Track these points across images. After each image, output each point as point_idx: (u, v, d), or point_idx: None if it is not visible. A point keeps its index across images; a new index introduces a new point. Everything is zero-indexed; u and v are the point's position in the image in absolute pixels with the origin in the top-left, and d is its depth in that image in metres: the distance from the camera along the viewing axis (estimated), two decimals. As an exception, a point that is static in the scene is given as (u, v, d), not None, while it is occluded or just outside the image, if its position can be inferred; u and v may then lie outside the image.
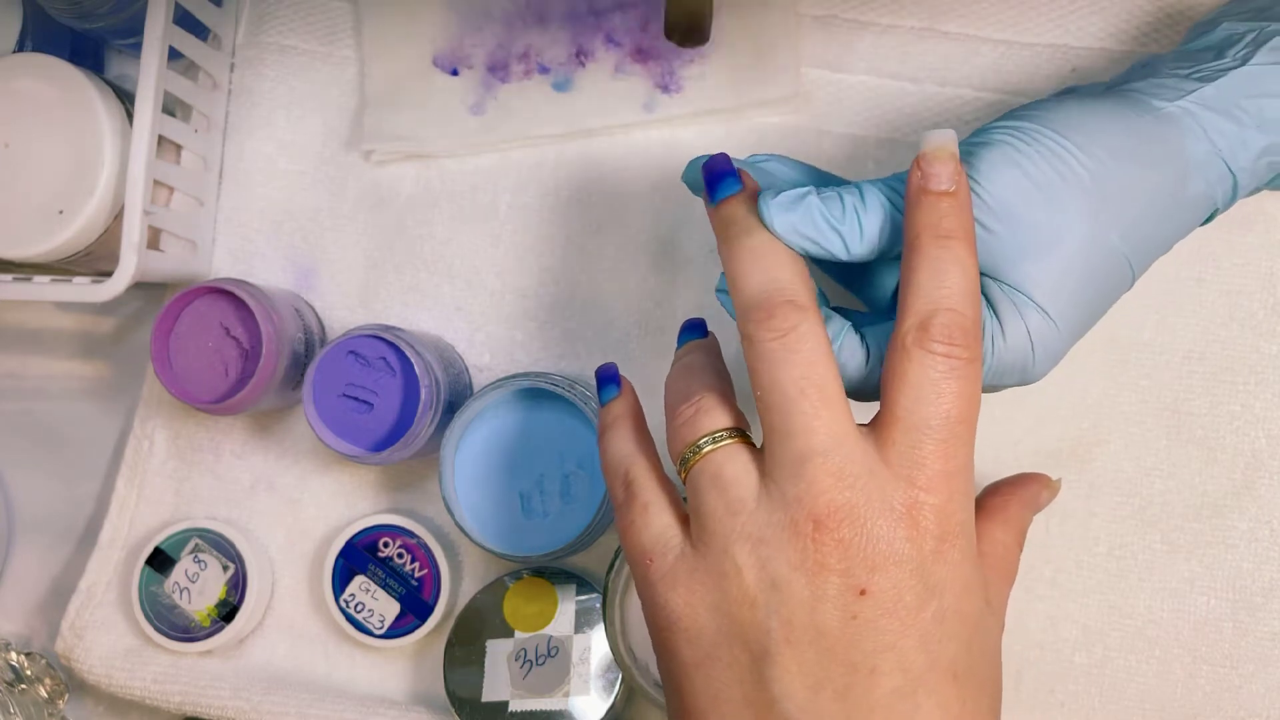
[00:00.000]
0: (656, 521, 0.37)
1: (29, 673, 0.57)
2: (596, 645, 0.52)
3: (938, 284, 0.34)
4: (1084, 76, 0.53)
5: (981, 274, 0.38)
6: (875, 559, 0.33)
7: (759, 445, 0.36)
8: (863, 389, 0.38)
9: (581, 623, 0.52)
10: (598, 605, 0.52)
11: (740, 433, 0.36)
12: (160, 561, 0.56)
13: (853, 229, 0.37)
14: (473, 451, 0.52)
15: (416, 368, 0.50)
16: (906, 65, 0.54)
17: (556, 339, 0.56)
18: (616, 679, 0.51)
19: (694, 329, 0.42)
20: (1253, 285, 0.52)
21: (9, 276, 0.53)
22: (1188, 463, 0.52)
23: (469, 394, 0.55)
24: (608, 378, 0.42)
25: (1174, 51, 0.44)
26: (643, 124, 0.55)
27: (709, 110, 0.54)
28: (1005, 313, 0.38)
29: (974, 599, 0.35)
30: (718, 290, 0.40)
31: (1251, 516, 0.51)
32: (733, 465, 0.35)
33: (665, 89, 0.54)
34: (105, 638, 0.57)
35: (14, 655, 0.57)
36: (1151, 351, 0.52)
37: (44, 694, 0.57)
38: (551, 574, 0.53)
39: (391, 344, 0.51)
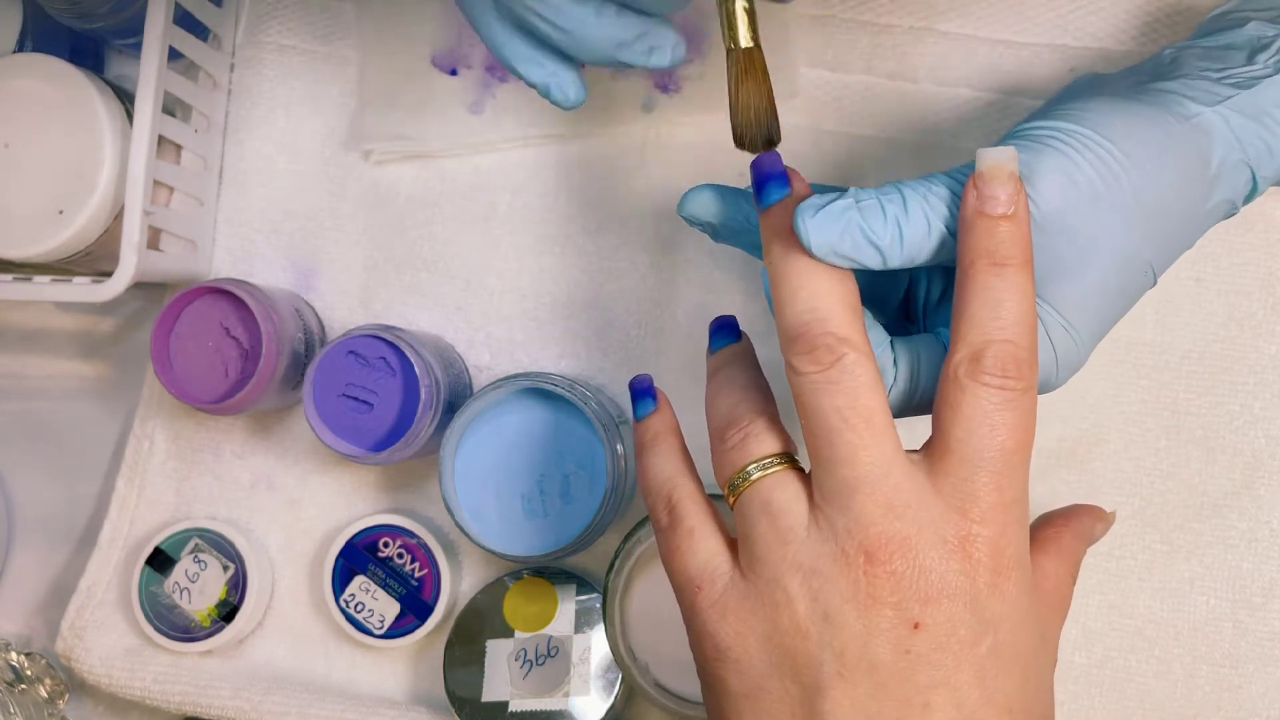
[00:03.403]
0: (703, 547, 0.36)
1: (29, 673, 0.57)
2: (596, 645, 0.52)
3: (993, 314, 0.34)
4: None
5: None
6: (928, 592, 0.33)
7: (807, 469, 0.36)
8: (900, 407, 0.38)
9: (581, 623, 0.52)
10: (598, 605, 0.52)
11: (789, 458, 0.36)
12: (160, 561, 0.56)
13: (893, 243, 0.36)
14: (473, 451, 0.52)
15: (416, 368, 0.50)
16: (904, 65, 0.54)
17: (556, 339, 0.56)
18: (616, 679, 0.51)
19: (726, 330, 0.41)
20: (1252, 285, 0.52)
21: (9, 276, 0.53)
22: (1187, 463, 0.52)
23: (469, 394, 0.55)
24: (643, 391, 0.41)
25: (1199, 47, 0.43)
26: (642, 124, 0.55)
27: (708, 110, 0.54)
28: None
29: (1029, 633, 0.34)
30: (766, 294, 0.39)
31: (1251, 516, 0.51)
32: (783, 493, 0.35)
33: (664, 89, 0.55)
34: (105, 638, 0.57)
35: (14, 655, 0.57)
36: (1151, 351, 0.52)
37: (44, 694, 0.57)
38: (551, 574, 0.53)
39: (391, 344, 0.51)
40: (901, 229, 0.36)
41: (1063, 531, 0.39)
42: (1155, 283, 0.39)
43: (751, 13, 0.38)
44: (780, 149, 0.55)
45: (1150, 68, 0.43)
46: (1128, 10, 0.53)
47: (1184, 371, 0.52)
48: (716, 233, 0.42)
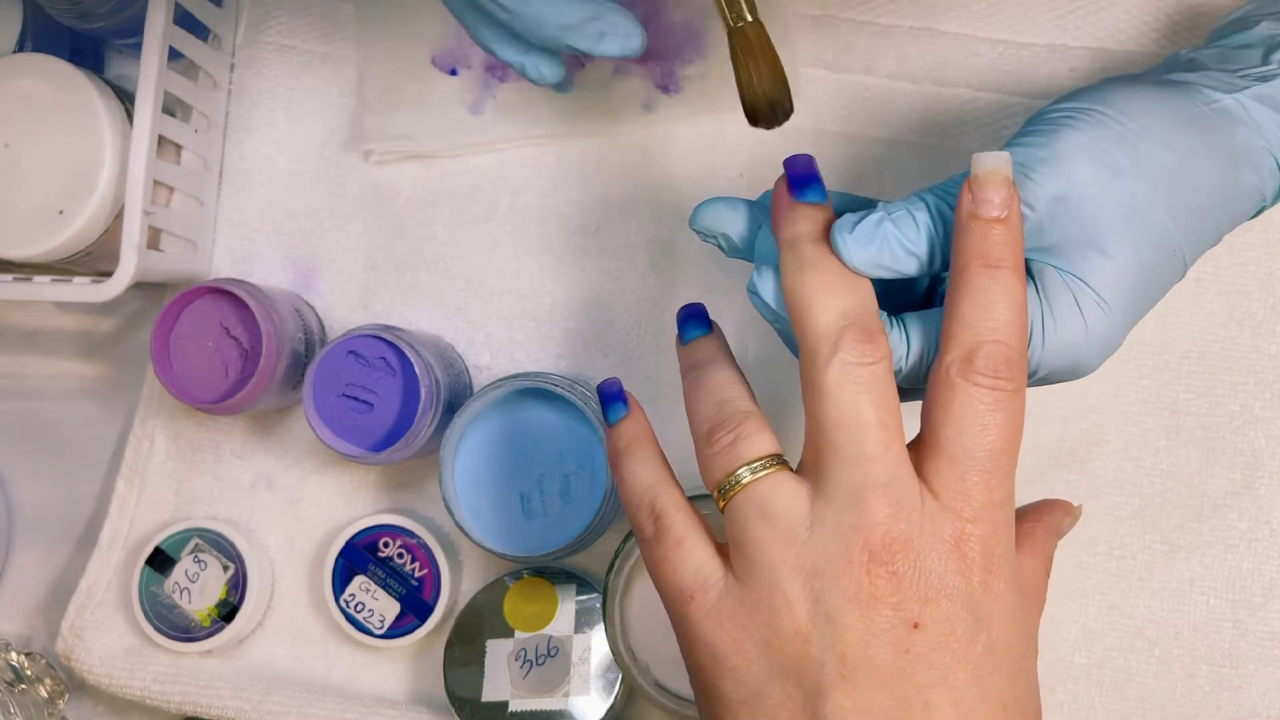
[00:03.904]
0: (693, 556, 0.35)
1: (29, 673, 0.57)
2: (596, 645, 0.52)
3: (985, 315, 0.34)
4: (1082, 77, 0.53)
5: (1039, 260, 0.37)
6: (927, 592, 0.33)
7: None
8: (910, 382, 0.38)
9: (581, 623, 0.52)
10: (598, 605, 0.52)
11: (780, 459, 0.35)
12: (160, 561, 0.56)
13: (928, 249, 0.36)
14: (473, 451, 0.52)
15: (416, 368, 0.50)
16: (904, 65, 0.54)
17: (556, 339, 0.56)
18: (616, 679, 0.51)
19: (698, 319, 0.40)
20: (1252, 285, 0.52)
21: (9, 276, 0.53)
22: (1187, 463, 0.52)
23: (469, 394, 0.55)
24: (613, 395, 0.40)
25: (1215, 47, 0.44)
26: (642, 124, 0.55)
27: (708, 110, 0.54)
28: (1058, 300, 0.37)
29: (1019, 629, 0.35)
30: (750, 290, 0.38)
31: (1251, 516, 0.51)
32: (779, 495, 0.34)
33: (665, 89, 0.55)
34: (105, 638, 0.57)
35: (14, 655, 0.57)
36: (1151, 351, 0.52)
37: (44, 694, 0.57)
38: (551, 574, 0.53)
39: (391, 344, 0.51)
40: (934, 234, 0.36)
41: (1035, 527, 0.39)
42: (1184, 273, 0.39)
43: None
44: (781, 149, 0.55)
45: (1165, 67, 0.44)
46: (1127, 10, 0.53)
47: (1184, 371, 0.52)
48: (730, 244, 0.42)
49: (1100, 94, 0.38)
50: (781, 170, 0.40)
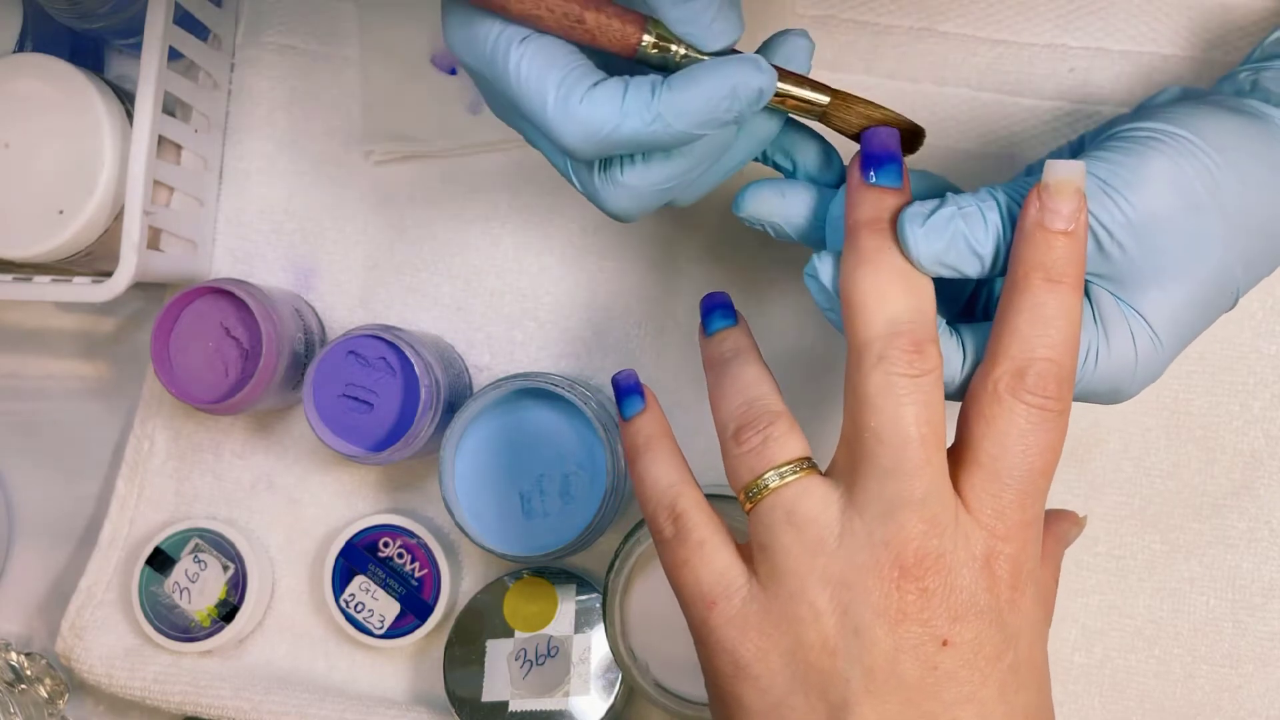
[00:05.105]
0: (716, 560, 0.34)
1: (29, 673, 0.57)
2: (596, 645, 0.52)
3: (1040, 332, 0.33)
4: (1082, 77, 0.53)
5: (1098, 284, 0.36)
6: (957, 609, 0.32)
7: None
8: (960, 394, 0.37)
9: (581, 623, 0.52)
10: (598, 605, 0.52)
11: (810, 462, 0.35)
12: (160, 561, 0.56)
13: (993, 251, 0.35)
14: (473, 451, 0.52)
15: (416, 368, 0.50)
16: (904, 65, 0.54)
17: (556, 339, 0.56)
18: (616, 679, 0.52)
19: (723, 309, 0.39)
20: (1253, 285, 0.52)
21: (9, 276, 0.53)
22: (1187, 462, 0.52)
23: (469, 394, 0.55)
24: (629, 388, 0.39)
25: (1272, 71, 0.41)
26: (642, 124, 0.55)
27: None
28: (1114, 329, 0.36)
29: (1042, 645, 0.34)
30: (808, 274, 0.36)
31: (1251, 516, 0.51)
32: (809, 501, 0.33)
33: (665, 89, 0.54)
34: (105, 638, 0.57)
35: (14, 655, 0.57)
36: (1151, 351, 0.52)
37: (44, 694, 0.57)
38: (551, 574, 0.53)
39: (391, 344, 0.51)
40: (1001, 236, 0.35)
41: (1045, 538, 0.39)
42: (1233, 306, 0.38)
43: (800, 80, 0.37)
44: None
45: (1231, 89, 0.42)
46: (1127, 10, 0.53)
47: (1184, 371, 0.52)
48: (780, 231, 0.40)
49: (1185, 118, 0.36)
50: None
